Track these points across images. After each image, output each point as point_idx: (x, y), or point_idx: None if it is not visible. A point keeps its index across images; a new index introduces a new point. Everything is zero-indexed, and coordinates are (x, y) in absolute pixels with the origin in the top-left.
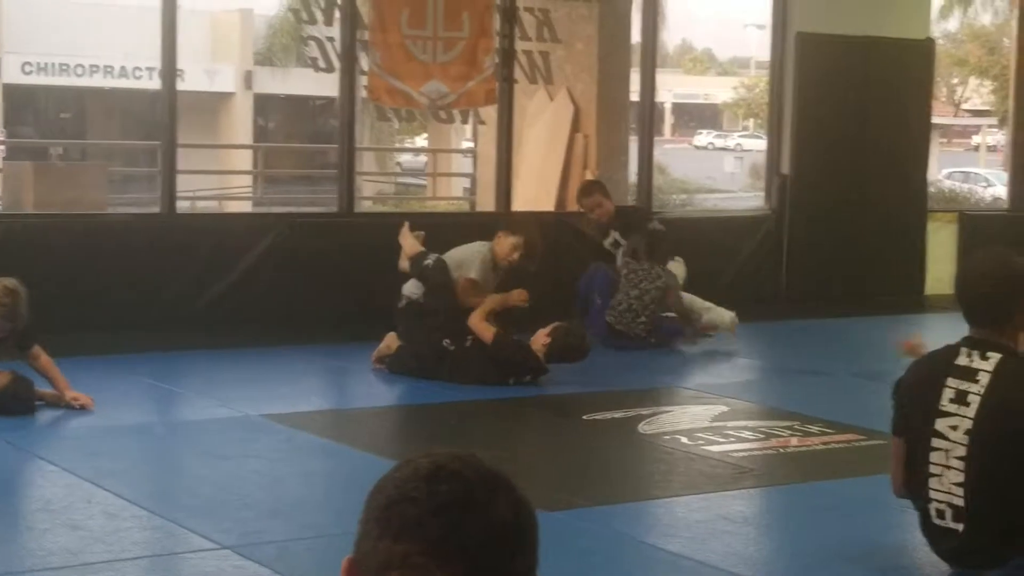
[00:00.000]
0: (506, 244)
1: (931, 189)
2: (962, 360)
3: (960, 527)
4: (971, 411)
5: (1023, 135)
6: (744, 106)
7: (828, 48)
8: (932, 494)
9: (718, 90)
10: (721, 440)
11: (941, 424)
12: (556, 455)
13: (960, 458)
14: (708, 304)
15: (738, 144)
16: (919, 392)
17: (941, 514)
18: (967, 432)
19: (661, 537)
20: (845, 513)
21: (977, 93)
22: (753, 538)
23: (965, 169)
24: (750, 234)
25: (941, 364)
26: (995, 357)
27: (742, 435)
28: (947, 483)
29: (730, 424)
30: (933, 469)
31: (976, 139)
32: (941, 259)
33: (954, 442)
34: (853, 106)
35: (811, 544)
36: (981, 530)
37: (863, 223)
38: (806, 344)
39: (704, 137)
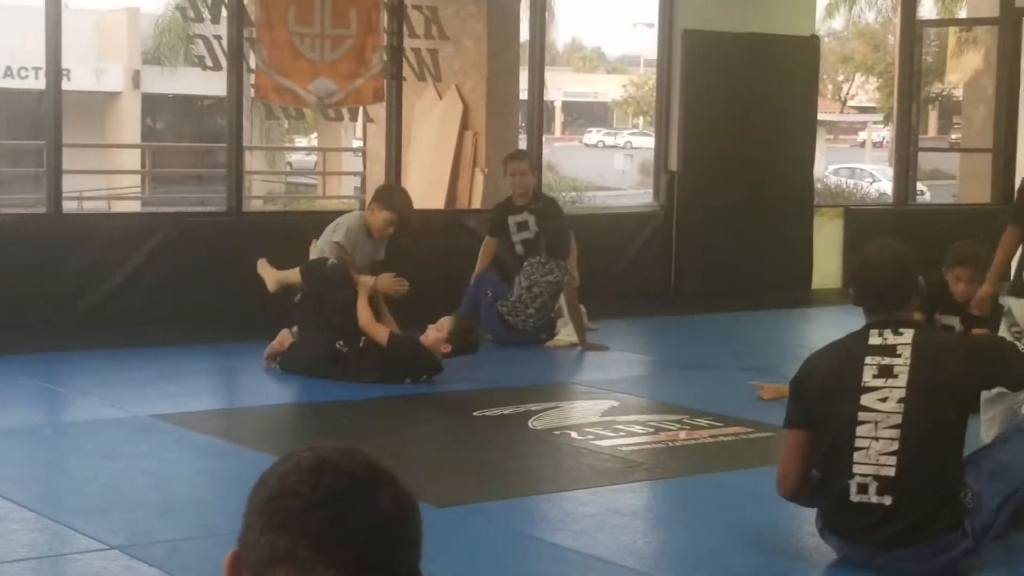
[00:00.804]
0: (379, 217)
1: (818, 185)
2: (875, 340)
3: (887, 500)
4: (900, 382)
5: (907, 131)
6: (634, 104)
7: (715, 45)
8: (856, 468)
9: (608, 88)
10: (611, 435)
11: (867, 399)
12: (446, 452)
13: (893, 427)
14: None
15: (628, 142)
16: (835, 379)
17: (864, 488)
18: (900, 400)
19: (550, 531)
20: (734, 504)
21: (863, 90)
22: (642, 531)
23: (852, 165)
24: (639, 231)
25: (853, 348)
26: (908, 331)
27: (632, 429)
28: (874, 454)
29: (620, 419)
30: (859, 443)
31: (862, 135)
32: (827, 254)
33: (886, 412)
34: (740, 103)
35: (700, 536)
36: (911, 500)
37: (751, 219)
38: (695, 339)
39: (594, 135)
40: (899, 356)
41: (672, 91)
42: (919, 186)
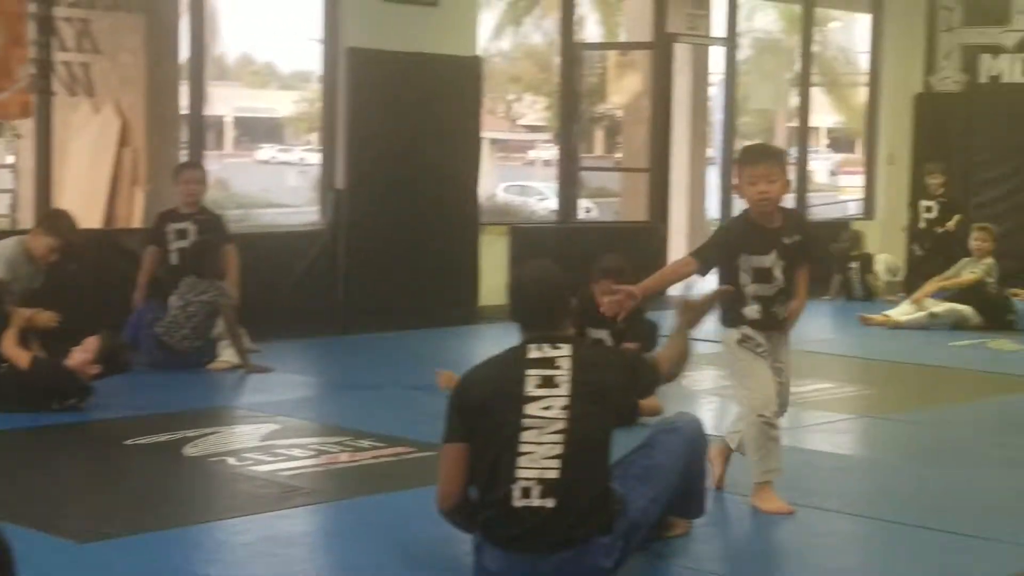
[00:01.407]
0: (42, 244)
1: (488, 202)
2: (534, 353)
3: (549, 502)
4: (563, 391)
5: (569, 150)
6: (306, 120)
7: (380, 63)
8: (520, 473)
9: (280, 104)
10: (270, 459)
11: (531, 408)
12: (94, 484)
13: (558, 431)
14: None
15: (302, 158)
16: (496, 391)
17: (527, 492)
18: (564, 408)
19: (202, 563)
20: (395, 525)
21: (532, 109)
22: (299, 558)
23: (523, 183)
24: (306, 249)
25: (514, 361)
26: (565, 345)
27: (292, 453)
28: (538, 458)
29: (280, 443)
30: (524, 448)
31: (532, 153)
32: (494, 271)
33: (551, 418)
34: (406, 121)
35: (360, 560)
36: (571, 502)
37: (418, 237)
38: (362, 359)
39: (267, 151)
40: (559, 368)
41: (337, 109)
42: (588, 203)
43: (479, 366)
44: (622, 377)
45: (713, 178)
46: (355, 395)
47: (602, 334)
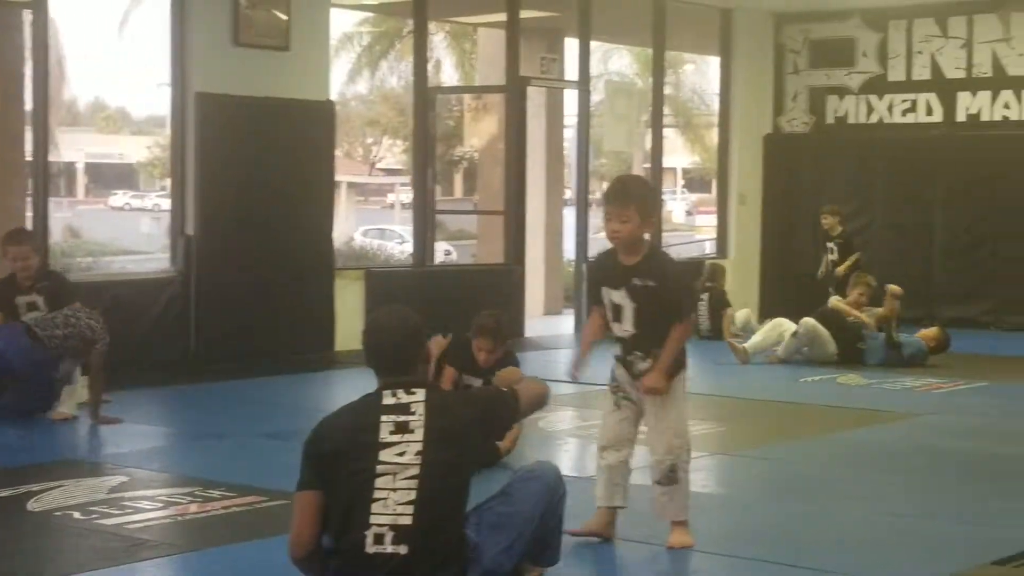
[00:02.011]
0: None
1: (346, 247)
2: (388, 400)
3: (402, 549)
4: (417, 436)
5: (424, 194)
6: (159, 166)
7: (230, 108)
8: (373, 519)
9: (133, 149)
10: (117, 512)
11: (386, 455)
12: None
13: (411, 477)
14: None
15: (156, 204)
16: (351, 438)
17: (380, 539)
18: (418, 453)
19: None
20: None
21: (391, 152)
22: None
23: (382, 226)
24: (157, 297)
25: (368, 408)
26: (420, 391)
27: (140, 505)
28: (392, 504)
29: (128, 495)
30: (378, 495)
31: (391, 197)
32: (350, 315)
33: (404, 464)
34: (258, 166)
35: None
36: (424, 549)
37: (272, 282)
38: (215, 407)
39: (120, 197)
40: (413, 413)
41: (187, 154)
42: (447, 246)
43: (333, 415)
44: (476, 414)
45: (570, 219)
46: (206, 444)
47: (476, 382)
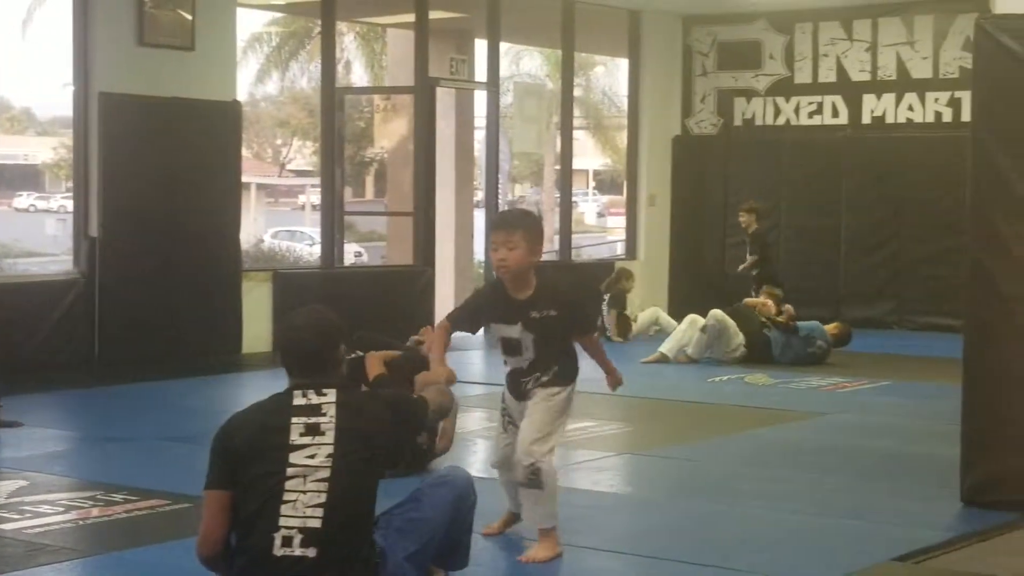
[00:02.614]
0: None
1: (255, 248)
2: (299, 400)
3: (311, 552)
4: (328, 438)
5: (332, 195)
6: (65, 167)
7: (134, 108)
8: (283, 521)
9: (38, 150)
10: (16, 517)
11: (296, 456)
12: None
13: (321, 479)
14: None
15: (62, 206)
16: (260, 438)
17: (288, 541)
18: (329, 455)
19: None
20: None
21: (301, 154)
22: None
23: (292, 228)
24: (60, 299)
25: (279, 408)
26: (331, 391)
27: (40, 510)
28: (301, 507)
29: (28, 499)
30: (288, 496)
31: (302, 198)
32: (257, 317)
33: (314, 467)
34: (164, 167)
35: None
36: (332, 552)
37: (178, 284)
38: (118, 410)
39: (25, 199)
40: (324, 415)
41: (90, 154)
42: (357, 248)
43: (243, 412)
44: (387, 416)
45: (480, 221)
46: (109, 448)
47: None
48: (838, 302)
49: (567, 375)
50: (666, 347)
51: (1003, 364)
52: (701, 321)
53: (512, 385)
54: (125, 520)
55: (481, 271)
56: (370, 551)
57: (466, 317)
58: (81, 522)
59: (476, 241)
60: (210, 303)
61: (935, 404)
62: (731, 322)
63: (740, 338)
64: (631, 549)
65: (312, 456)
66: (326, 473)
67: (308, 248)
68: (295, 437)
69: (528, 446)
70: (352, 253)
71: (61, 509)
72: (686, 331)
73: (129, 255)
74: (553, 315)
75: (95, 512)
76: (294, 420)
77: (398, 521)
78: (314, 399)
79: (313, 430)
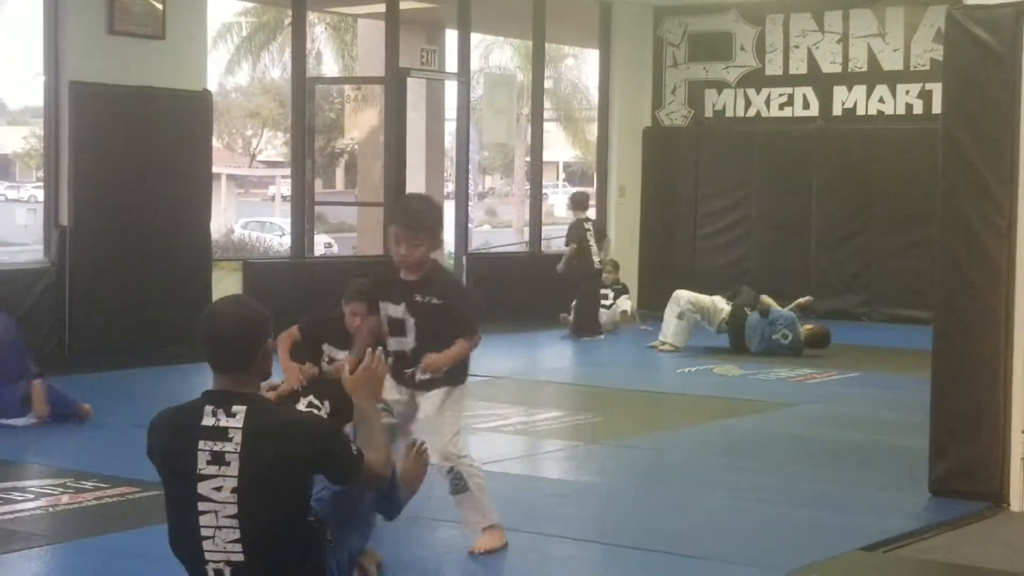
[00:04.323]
0: None
1: (225, 239)
2: (208, 420)
3: None
4: (233, 470)
5: (302, 185)
6: (36, 156)
7: (104, 98)
8: (208, 555)
9: (9, 140)
10: None
11: (204, 487)
12: None
13: (232, 516)
14: None
15: (32, 196)
16: (172, 459)
17: (220, 574)
18: (234, 490)
19: None
20: (118, 568)
21: (271, 144)
22: None
23: (262, 219)
24: (30, 288)
25: (189, 428)
26: (241, 411)
27: (10, 497)
28: (222, 543)
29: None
30: (205, 532)
31: (272, 189)
32: None
33: (222, 502)
34: (134, 156)
35: None
36: (266, 571)
37: (148, 273)
38: (88, 398)
39: None
40: (230, 440)
41: (61, 143)
42: (328, 238)
43: (161, 418)
44: (304, 452)
45: (450, 212)
46: (80, 436)
47: (340, 355)
48: (808, 294)
49: (455, 376)
50: (671, 338)
51: (973, 355)
52: (677, 309)
53: (395, 372)
54: (95, 507)
55: (452, 261)
56: (312, 549)
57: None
58: (52, 509)
59: (447, 232)
60: (180, 292)
61: (904, 395)
62: (704, 298)
63: (724, 313)
64: (598, 538)
65: (219, 489)
66: (234, 510)
67: (278, 239)
68: (202, 465)
69: (445, 452)
70: (322, 244)
71: (32, 496)
72: (669, 321)
73: (100, 244)
74: (435, 303)
75: (65, 499)
76: (201, 445)
77: (327, 494)
78: (222, 420)
79: (219, 459)
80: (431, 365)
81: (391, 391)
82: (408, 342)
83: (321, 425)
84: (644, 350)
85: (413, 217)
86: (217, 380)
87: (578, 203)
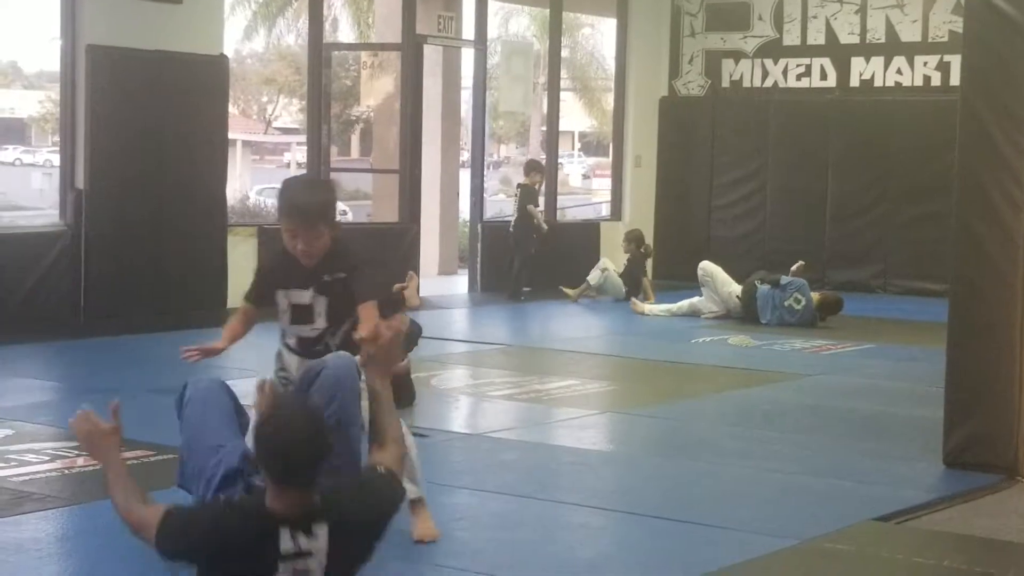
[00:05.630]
0: None
1: (240, 204)
2: (287, 545)
3: None
4: (316, 566)
5: (318, 152)
6: (52, 120)
7: (121, 62)
8: None
9: (25, 104)
10: (2, 465)
11: None
12: None
13: None
14: None
15: (48, 160)
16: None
17: None
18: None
19: None
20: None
21: (287, 111)
22: (27, 565)
23: (277, 185)
24: (46, 252)
25: (259, 552)
26: (323, 532)
27: (25, 459)
28: None
29: (13, 448)
30: None
31: (288, 156)
32: (242, 272)
33: None
34: (150, 120)
35: (95, 566)
36: None
37: (164, 238)
38: (105, 362)
39: (11, 152)
40: (315, 557)
41: (77, 107)
42: (343, 206)
43: (199, 527)
44: (382, 524)
45: (465, 180)
46: (95, 399)
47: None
48: (823, 265)
49: None
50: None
51: (988, 327)
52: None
53: (304, 350)
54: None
55: (466, 229)
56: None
57: (256, 291)
58: (66, 471)
59: (462, 199)
60: (195, 257)
61: (919, 367)
62: (719, 271)
63: (733, 287)
64: (614, 505)
65: None
66: None
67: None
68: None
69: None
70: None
71: (47, 458)
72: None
73: (115, 209)
74: (342, 277)
75: (80, 461)
76: (281, 567)
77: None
78: (303, 543)
79: (303, 572)
80: (393, 326)
81: (293, 361)
82: (317, 327)
83: (388, 486)
84: (659, 320)
85: (310, 213)
86: (279, 491)
87: (535, 168)
